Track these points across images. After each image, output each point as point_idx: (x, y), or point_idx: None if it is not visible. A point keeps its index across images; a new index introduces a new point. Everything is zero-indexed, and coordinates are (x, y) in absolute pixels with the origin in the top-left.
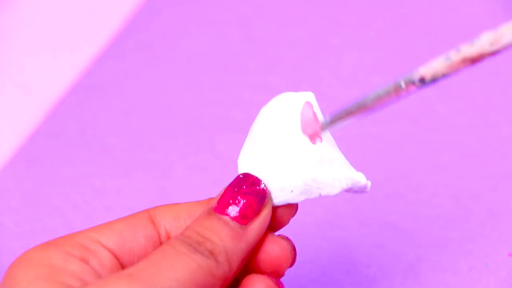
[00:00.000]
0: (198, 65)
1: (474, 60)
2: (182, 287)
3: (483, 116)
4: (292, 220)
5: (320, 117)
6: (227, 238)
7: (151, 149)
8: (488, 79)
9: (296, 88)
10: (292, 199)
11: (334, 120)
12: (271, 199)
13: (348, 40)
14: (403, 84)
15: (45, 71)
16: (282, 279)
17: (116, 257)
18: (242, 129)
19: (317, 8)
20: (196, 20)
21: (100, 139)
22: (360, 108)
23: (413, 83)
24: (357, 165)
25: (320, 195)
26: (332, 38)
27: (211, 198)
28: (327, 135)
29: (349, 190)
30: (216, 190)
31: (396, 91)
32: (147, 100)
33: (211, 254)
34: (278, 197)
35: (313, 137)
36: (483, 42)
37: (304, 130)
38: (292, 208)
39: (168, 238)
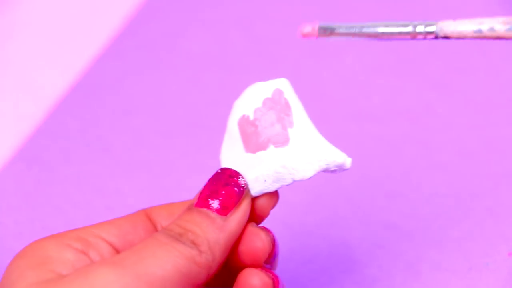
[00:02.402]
0: (198, 65)
1: (503, 38)
2: (166, 273)
3: (483, 116)
4: (292, 220)
5: (296, 103)
6: (209, 229)
7: (151, 149)
8: (488, 79)
9: (295, 88)
10: (267, 188)
11: (331, 28)
12: (249, 190)
13: (348, 39)
14: (422, 29)
15: (45, 71)
16: (283, 278)
17: (116, 250)
18: None
19: (317, 8)
20: (196, 20)
21: (100, 139)
22: (365, 33)
23: (432, 33)
24: (357, 165)
25: (294, 180)
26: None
27: None
28: (301, 118)
29: (326, 171)
30: None
31: (412, 35)
32: (147, 100)
33: (194, 244)
34: (254, 187)
35: (281, 123)
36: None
37: (246, 149)
38: (271, 199)
39: None
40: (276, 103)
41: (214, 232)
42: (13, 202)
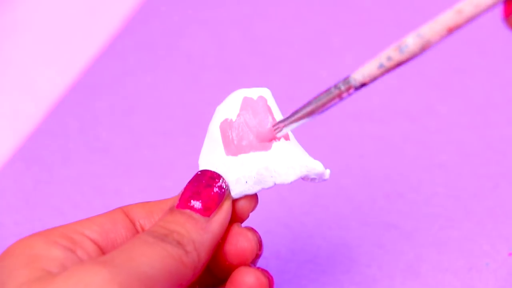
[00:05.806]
0: (198, 65)
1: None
2: (156, 272)
3: (483, 116)
4: (292, 220)
5: (277, 112)
6: (193, 229)
7: (151, 149)
8: (488, 79)
9: (296, 88)
10: (247, 190)
11: (283, 123)
12: (230, 191)
13: (348, 39)
14: (342, 87)
15: (45, 71)
16: (279, 277)
17: (100, 248)
18: None
19: (317, 8)
20: (196, 20)
21: (99, 139)
22: (305, 113)
23: (351, 87)
24: (357, 165)
25: (275, 183)
26: (332, 37)
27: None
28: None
29: (305, 178)
30: None
31: (339, 95)
32: (146, 100)
33: (179, 244)
34: (235, 189)
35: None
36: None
37: (227, 152)
38: (251, 201)
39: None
40: (260, 109)
41: (198, 232)
42: (12, 202)
